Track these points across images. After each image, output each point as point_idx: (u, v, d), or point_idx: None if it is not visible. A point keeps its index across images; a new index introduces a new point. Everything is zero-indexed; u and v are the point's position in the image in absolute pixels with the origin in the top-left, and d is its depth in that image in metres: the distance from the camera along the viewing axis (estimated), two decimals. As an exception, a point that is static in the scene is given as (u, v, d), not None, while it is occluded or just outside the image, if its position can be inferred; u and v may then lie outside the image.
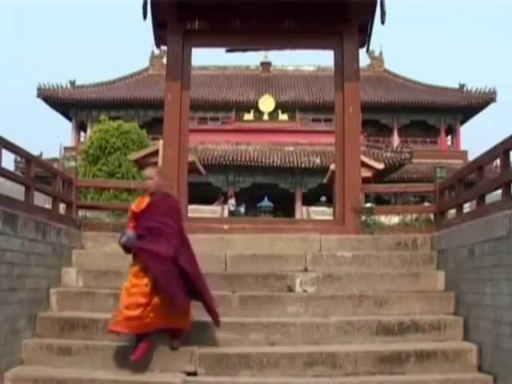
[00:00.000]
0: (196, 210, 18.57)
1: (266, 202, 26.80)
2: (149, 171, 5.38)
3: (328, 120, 32.24)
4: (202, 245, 6.75)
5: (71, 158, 8.38)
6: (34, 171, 6.41)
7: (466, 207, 7.84)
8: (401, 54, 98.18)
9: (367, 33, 8.32)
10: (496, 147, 5.63)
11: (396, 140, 36.58)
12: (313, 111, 37.10)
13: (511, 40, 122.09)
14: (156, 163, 14.44)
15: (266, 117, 34.69)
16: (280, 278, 6.34)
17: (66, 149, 30.55)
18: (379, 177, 20.62)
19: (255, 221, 10.58)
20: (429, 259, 6.77)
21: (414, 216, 8.24)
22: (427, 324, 5.62)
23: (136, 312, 4.78)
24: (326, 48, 8.72)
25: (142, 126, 25.65)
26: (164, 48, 8.86)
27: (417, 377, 5.06)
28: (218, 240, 7.19)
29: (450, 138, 39.99)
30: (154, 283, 4.88)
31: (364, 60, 39.12)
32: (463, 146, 38.45)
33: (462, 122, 39.60)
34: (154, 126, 30.89)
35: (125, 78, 41.53)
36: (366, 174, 16.05)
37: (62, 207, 7.57)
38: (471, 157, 22.88)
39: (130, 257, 5.21)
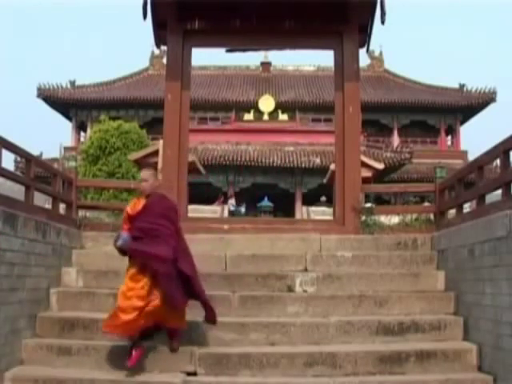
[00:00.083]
0: (196, 210, 18.55)
1: (266, 202, 26.81)
2: (144, 173, 5.32)
3: (328, 120, 32.25)
4: (202, 245, 6.77)
5: (71, 158, 8.38)
6: (34, 171, 6.40)
7: (466, 207, 7.84)
8: (401, 54, 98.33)
9: (367, 33, 8.32)
10: (496, 147, 5.63)
11: (396, 140, 36.60)
12: (313, 111, 37.11)
13: (511, 40, 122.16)
14: (156, 163, 14.43)
15: (266, 117, 34.71)
16: (280, 278, 6.34)
17: (66, 149, 30.58)
18: (379, 177, 20.63)
19: (255, 221, 10.58)
20: (429, 259, 6.77)
21: (414, 216, 8.24)
22: (427, 324, 5.62)
23: (132, 315, 4.77)
24: (325, 48, 8.72)
25: (142, 126, 25.65)
26: (164, 48, 8.86)
27: (417, 377, 5.05)
28: (218, 240, 7.19)
29: (449, 137, 40.01)
30: (153, 282, 4.88)
31: (364, 60, 39.19)
32: (463, 146, 38.54)
33: (462, 122, 39.61)
34: (153, 126, 30.89)
35: (125, 78, 41.55)
36: (366, 174, 16.06)
37: (62, 207, 7.57)
38: (471, 157, 22.89)
39: (129, 257, 5.20)
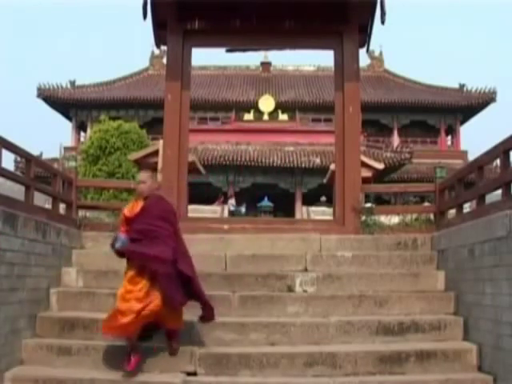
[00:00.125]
0: (196, 210, 18.56)
1: (266, 202, 26.81)
2: (142, 175, 5.29)
3: (328, 120, 32.26)
4: (202, 245, 6.77)
5: (71, 158, 8.39)
6: (34, 171, 6.41)
7: (466, 207, 7.84)
8: (401, 54, 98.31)
9: (367, 33, 8.32)
10: (496, 147, 5.63)
11: (396, 140, 36.59)
12: (313, 111, 37.10)
13: (511, 40, 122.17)
14: (156, 163, 14.43)
15: (266, 117, 34.70)
16: (280, 278, 6.34)
17: (66, 149, 30.55)
18: (379, 177, 20.61)
19: (255, 221, 10.58)
20: (429, 259, 6.77)
21: (414, 216, 8.24)
22: (427, 324, 5.62)
23: (131, 317, 4.76)
24: (326, 48, 8.72)
25: (141, 126, 25.65)
26: (164, 48, 8.86)
27: (417, 377, 5.06)
28: (218, 240, 7.19)
29: (449, 138, 40.00)
30: (151, 284, 4.86)
31: (364, 60, 39.18)
32: (463, 146, 38.52)
33: (462, 122, 39.61)
34: (153, 126, 30.89)
35: (125, 78, 41.54)
36: (366, 174, 16.04)
37: (62, 207, 7.57)
38: (471, 157, 22.89)
39: (129, 257, 5.19)
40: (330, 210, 17.32)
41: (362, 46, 8.46)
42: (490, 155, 5.92)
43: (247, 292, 6.11)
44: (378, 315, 5.84)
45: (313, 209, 26.20)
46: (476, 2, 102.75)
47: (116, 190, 18.03)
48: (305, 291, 6.26)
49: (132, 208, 5.17)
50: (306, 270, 6.67)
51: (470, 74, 69.33)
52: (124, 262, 5.15)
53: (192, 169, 13.44)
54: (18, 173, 11.06)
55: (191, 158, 13.66)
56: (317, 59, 40.49)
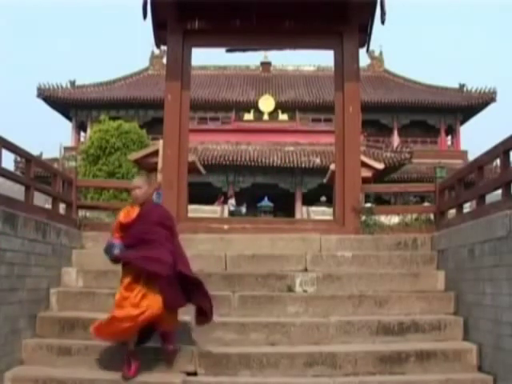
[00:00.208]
0: (196, 210, 18.56)
1: (266, 202, 26.81)
2: (136, 180, 5.21)
3: (328, 120, 32.24)
4: (202, 245, 6.78)
5: (71, 158, 8.41)
6: (34, 171, 6.41)
7: (466, 207, 7.83)
8: (401, 54, 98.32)
9: (367, 33, 8.32)
10: (496, 147, 5.63)
11: (396, 140, 36.60)
12: (313, 111, 37.09)
13: (511, 40, 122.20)
14: (156, 163, 14.43)
15: (266, 117, 34.72)
16: (280, 278, 6.34)
17: (66, 149, 30.52)
18: (379, 177, 20.58)
19: (255, 221, 10.57)
20: (429, 259, 6.77)
21: (414, 216, 8.23)
22: (427, 324, 5.62)
23: (128, 324, 4.74)
24: (325, 48, 8.72)
25: (141, 126, 25.66)
26: (164, 48, 8.86)
27: (417, 377, 5.05)
28: (218, 240, 7.18)
29: (449, 138, 40.01)
30: (147, 289, 4.82)
31: (364, 60, 39.21)
32: (463, 146, 38.53)
33: (462, 122, 39.61)
34: (153, 126, 30.87)
35: (125, 78, 41.55)
36: (366, 174, 16.02)
37: (61, 207, 7.57)
38: (471, 157, 22.87)
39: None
40: (329, 210, 17.32)
41: (362, 45, 8.46)
42: (489, 155, 5.92)
43: (247, 292, 6.11)
44: (377, 315, 5.84)
45: (313, 209, 26.20)
46: (476, 2, 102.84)
47: (116, 190, 18.04)
48: (305, 291, 6.26)
49: (128, 214, 5.09)
50: (306, 269, 6.67)
51: (470, 74, 69.45)
52: (124, 262, 5.14)
53: (192, 169, 13.42)
54: (18, 173, 11.06)
55: (191, 157, 13.66)
56: (317, 59, 40.53)
